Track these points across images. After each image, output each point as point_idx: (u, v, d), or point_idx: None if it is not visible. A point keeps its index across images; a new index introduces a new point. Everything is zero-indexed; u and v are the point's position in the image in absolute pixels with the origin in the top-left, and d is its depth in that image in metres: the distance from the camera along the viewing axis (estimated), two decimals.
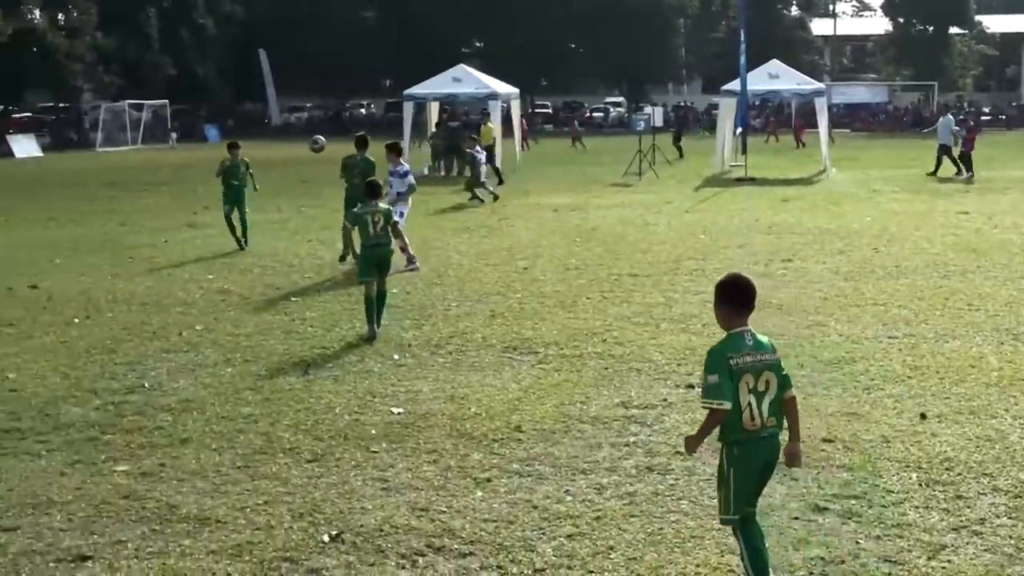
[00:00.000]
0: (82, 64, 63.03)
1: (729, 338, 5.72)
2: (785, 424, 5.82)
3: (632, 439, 8.66)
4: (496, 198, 27.67)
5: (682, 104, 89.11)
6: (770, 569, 5.81)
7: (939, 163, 34.30)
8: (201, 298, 14.97)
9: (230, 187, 19.87)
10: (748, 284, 5.83)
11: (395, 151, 18.06)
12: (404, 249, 16.06)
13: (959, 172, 33.43)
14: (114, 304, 14.62)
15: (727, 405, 5.54)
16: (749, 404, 5.59)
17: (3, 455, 8.47)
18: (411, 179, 17.92)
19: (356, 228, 13.03)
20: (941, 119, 37.39)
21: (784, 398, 5.76)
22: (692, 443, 5.84)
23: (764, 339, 5.79)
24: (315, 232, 21.95)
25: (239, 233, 19.83)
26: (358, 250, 13.06)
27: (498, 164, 34.48)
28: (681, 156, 44.86)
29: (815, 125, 40.81)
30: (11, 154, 53.93)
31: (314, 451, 8.48)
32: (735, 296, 5.80)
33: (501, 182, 33.00)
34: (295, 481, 7.83)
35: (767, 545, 5.89)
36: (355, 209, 13.65)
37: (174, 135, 66.90)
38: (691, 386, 10.05)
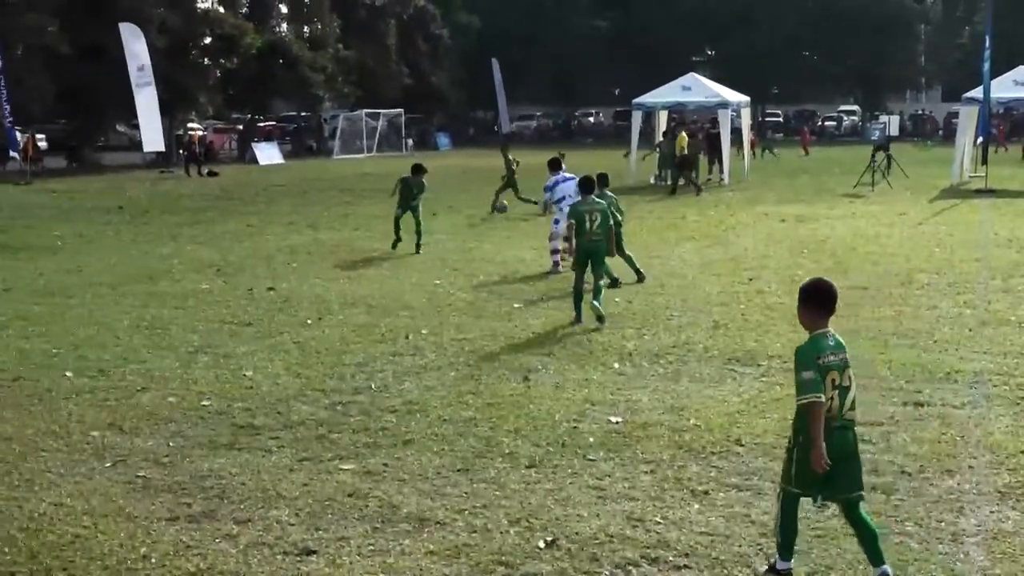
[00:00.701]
0: (323, 75, 65.37)
1: (813, 339, 6.15)
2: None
3: None
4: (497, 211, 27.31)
5: (920, 112, 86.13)
6: (793, 550, 6.30)
7: None
8: (427, 302, 15.30)
9: (406, 201, 21.05)
10: (831, 289, 6.26)
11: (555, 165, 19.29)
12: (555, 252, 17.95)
13: None
14: (345, 307, 15.09)
15: (823, 398, 5.97)
16: (831, 398, 6.05)
17: (239, 450, 8.84)
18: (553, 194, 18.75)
19: (575, 222, 13.69)
20: None
21: None
22: (816, 449, 5.99)
23: (841, 339, 6.25)
24: (541, 239, 22.13)
25: (416, 240, 20.77)
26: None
27: (694, 174, 34.40)
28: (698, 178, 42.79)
29: None
30: (256, 161, 56.36)
31: (532, 457, 8.55)
32: (819, 300, 6.23)
33: (699, 191, 32.85)
34: (512, 486, 7.91)
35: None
36: (574, 204, 14.29)
37: (410, 142, 68.75)
38: (920, 404, 9.71)
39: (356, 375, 11.21)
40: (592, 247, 13.58)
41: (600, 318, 13.30)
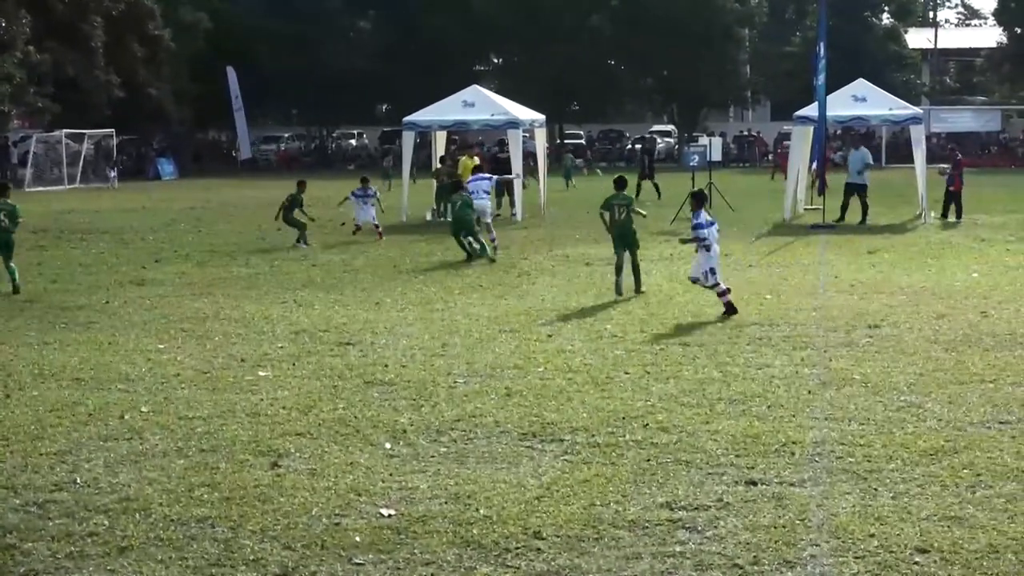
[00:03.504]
0: (10, 85, 63.67)
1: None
2: None
3: (679, 548, 8.62)
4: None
5: (746, 133, 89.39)
6: None
7: None
8: (148, 372, 15.02)
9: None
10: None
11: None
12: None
13: None
14: (41, 380, 14.68)
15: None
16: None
17: None
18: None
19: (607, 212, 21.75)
20: None
21: None
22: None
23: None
24: (293, 292, 22.04)
25: None
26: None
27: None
28: (658, 195, 45.58)
29: (910, 159, 40.82)
30: None
31: (283, 563, 8.46)
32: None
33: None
34: None
35: None
36: (608, 197, 22.03)
37: (112, 173, 67.14)
38: (752, 482, 10.03)
39: (56, 467, 10.89)
40: (621, 231, 21.53)
41: (638, 290, 21.13)
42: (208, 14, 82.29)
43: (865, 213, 35.02)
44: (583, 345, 16.42)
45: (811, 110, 36.83)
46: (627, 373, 14.54)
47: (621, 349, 16.09)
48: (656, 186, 46.27)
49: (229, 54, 79.96)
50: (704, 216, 19.60)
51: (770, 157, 79.69)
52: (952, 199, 35.64)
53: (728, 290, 19.01)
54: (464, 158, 39.61)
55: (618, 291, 20.93)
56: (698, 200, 20.40)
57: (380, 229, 32.30)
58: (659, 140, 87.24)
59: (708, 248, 19.10)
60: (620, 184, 22.28)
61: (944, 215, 35.36)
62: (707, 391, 13.48)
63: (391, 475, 10.50)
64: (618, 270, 21.23)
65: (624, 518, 9.26)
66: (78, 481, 10.43)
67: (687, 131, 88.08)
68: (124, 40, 74.46)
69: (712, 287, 19.10)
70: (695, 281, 19.54)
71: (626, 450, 11.14)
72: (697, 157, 39.79)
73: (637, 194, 45.13)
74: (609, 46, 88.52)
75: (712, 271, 19.09)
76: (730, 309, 18.65)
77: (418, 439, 11.69)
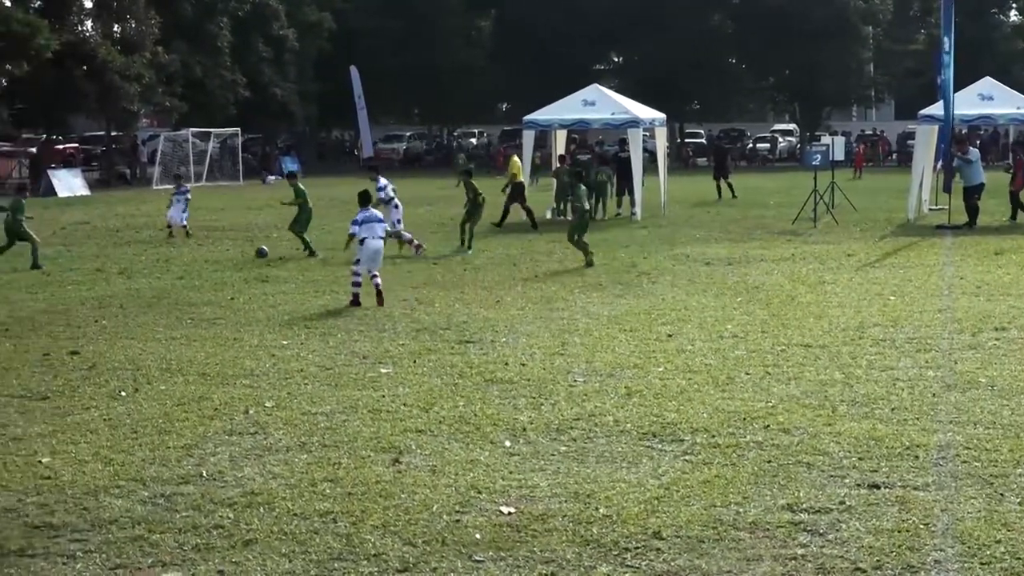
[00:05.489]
0: (139, 85, 64.77)
1: None
2: None
3: (800, 551, 8.55)
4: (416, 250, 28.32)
5: (870, 132, 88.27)
6: None
7: None
8: (272, 368, 15.21)
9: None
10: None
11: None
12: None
13: None
14: (168, 374, 14.93)
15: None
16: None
17: (32, 556, 8.67)
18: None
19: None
20: None
21: None
22: None
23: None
24: (414, 289, 22.18)
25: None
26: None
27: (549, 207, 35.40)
28: (733, 195, 45.81)
29: None
30: (53, 192, 55.49)
31: (404, 559, 8.52)
32: None
33: (534, 226, 33.97)
34: None
35: None
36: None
37: (272, 178, 67.89)
38: (875, 486, 9.90)
39: (183, 460, 11.07)
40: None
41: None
42: (331, 14, 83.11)
43: (976, 215, 34.21)
44: (703, 345, 16.34)
45: (936, 108, 36.24)
46: (748, 374, 14.44)
47: (742, 349, 15.99)
48: (731, 186, 46.23)
49: (352, 53, 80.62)
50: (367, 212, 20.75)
51: (894, 156, 78.74)
52: (1012, 199, 34.81)
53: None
54: (514, 158, 39.74)
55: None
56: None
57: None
58: (781, 139, 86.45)
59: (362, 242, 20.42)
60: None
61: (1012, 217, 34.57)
62: (829, 393, 13.35)
63: (511, 473, 10.53)
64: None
65: (745, 520, 9.20)
66: (204, 474, 10.59)
67: (809, 130, 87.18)
68: (250, 40, 75.51)
69: None
70: None
71: (747, 451, 11.07)
72: (819, 156, 39.29)
73: (719, 195, 45.43)
74: (730, 44, 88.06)
75: (357, 261, 20.50)
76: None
77: (538, 437, 11.71)
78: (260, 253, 28.20)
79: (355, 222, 20.88)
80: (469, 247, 28.95)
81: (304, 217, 29.28)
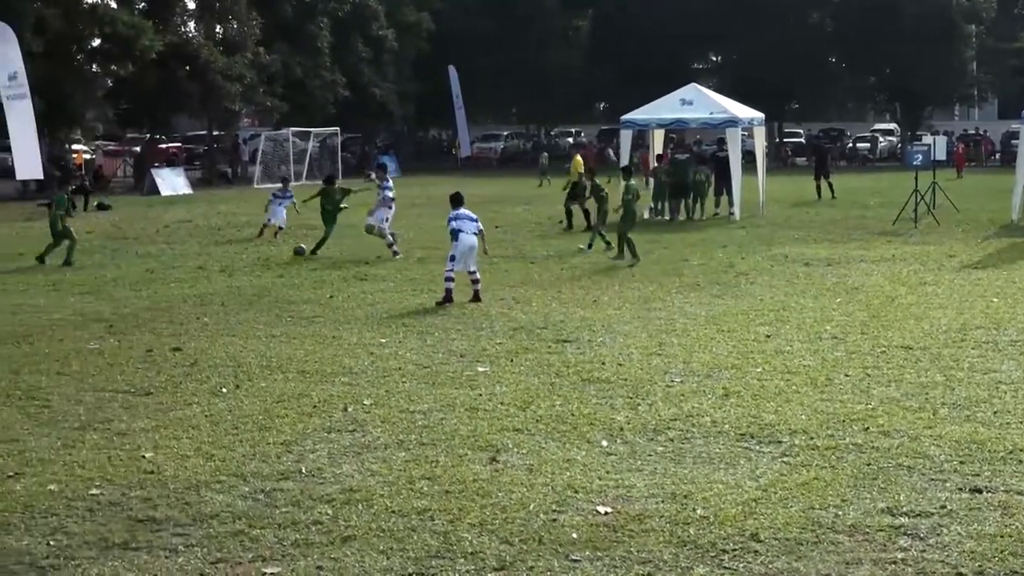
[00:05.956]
0: (240, 84, 65.45)
1: None
2: None
3: (900, 555, 8.47)
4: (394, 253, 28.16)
5: (972, 132, 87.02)
6: None
7: None
8: (370, 366, 15.30)
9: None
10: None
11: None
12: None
13: None
14: (268, 371, 15.07)
15: None
16: None
17: (135, 550, 8.79)
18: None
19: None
20: None
21: None
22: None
23: None
24: (511, 289, 22.22)
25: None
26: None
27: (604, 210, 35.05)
28: (832, 195, 45.29)
29: None
30: (156, 191, 56.23)
31: (501, 557, 8.54)
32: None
33: (590, 227, 33.42)
34: None
35: None
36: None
37: (372, 175, 68.50)
38: (977, 490, 9.78)
39: (282, 456, 11.18)
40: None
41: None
42: (430, 14, 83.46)
43: None
44: (802, 346, 16.22)
45: None
46: (847, 375, 14.31)
47: (841, 351, 15.85)
48: (831, 186, 45.76)
49: (450, 53, 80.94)
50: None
51: (997, 156, 77.57)
52: None
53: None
54: (576, 157, 39.74)
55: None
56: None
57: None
58: (881, 139, 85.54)
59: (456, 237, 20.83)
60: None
61: None
62: (930, 395, 13.19)
63: (608, 473, 10.52)
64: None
65: (844, 523, 9.12)
66: (303, 471, 10.68)
67: (910, 129, 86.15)
68: (349, 40, 76.03)
69: None
70: None
71: (846, 453, 10.97)
72: (921, 156, 38.81)
73: (819, 195, 45.02)
74: (830, 43, 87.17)
75: (452, 258, 20.63)
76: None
77: (635, 438, 11.69)
78: (298, 251, 28.50)
79: (451, 219, 21.13)
80: (608, 245, 28.78)
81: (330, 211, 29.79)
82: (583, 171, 36.03)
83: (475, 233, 20.90)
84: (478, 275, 20.74)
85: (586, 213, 34.02)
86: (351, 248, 29.60)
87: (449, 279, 20.41)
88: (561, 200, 35.89)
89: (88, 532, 9.16)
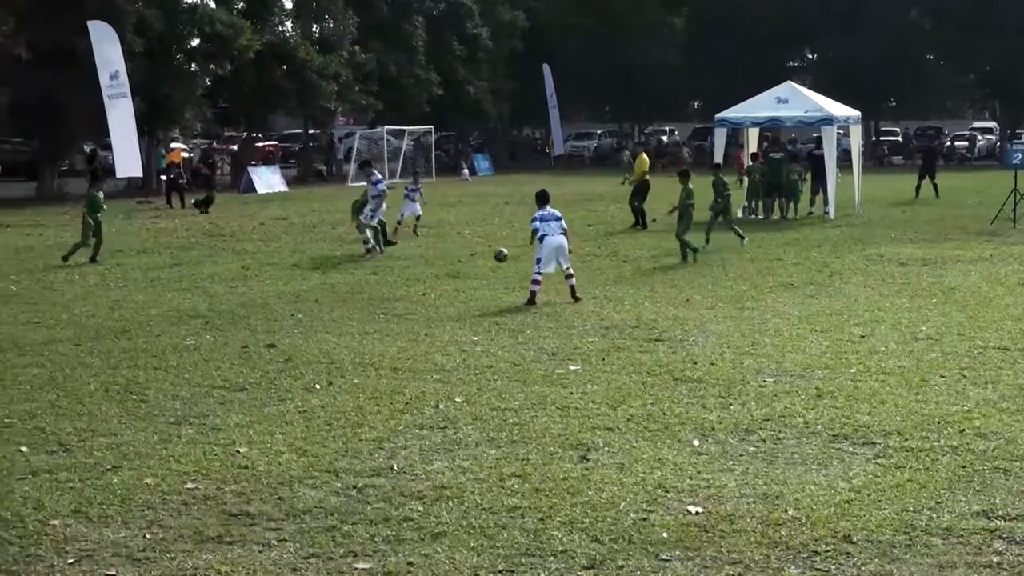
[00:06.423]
0: (336, 83, 65.87)
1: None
2: None
3: (996, 559, 8.36)
4: (379, 251, 28.18)
5: None
6: None
7: None
8: (462, 364, 15.35)
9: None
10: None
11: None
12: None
13: None
14: (361, 368, 15.16)
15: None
16: None
17: (231, 543, 8.88)
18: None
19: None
20: None
21: None
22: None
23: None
24: (603, 287, 22.20)
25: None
26: None
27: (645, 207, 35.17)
28: (936, 194, 44.92)
29: None
30: (252, 189, 56.75)
31: (591, 556, 8.53)
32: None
33: (644, 225, 34.00)
34: None
35: None
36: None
37: (466, 171, 69.03)
38: None
39: (374, 453, 11.25)
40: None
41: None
42: (524, 13, 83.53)
43: None
44: (897, 347, 16.05)
45: None
46: (943, 376, 14.14)
47: (937, 352, 15.66)
48: (935, 186, 45.26)
49: (544, 51, 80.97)
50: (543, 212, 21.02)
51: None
52: None
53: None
54: (642, 154, 39.42)
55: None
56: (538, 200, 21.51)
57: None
58: (980, 137, 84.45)
59: (540, 240, 20.67)
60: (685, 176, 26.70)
61: None
62: None
63: (699, 472, 10.48)
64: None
65: (938, 525, 9.02)
66: (395, 467, 10.74)
67: (1010, 128, 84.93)
68: (444, 39, 76.30)
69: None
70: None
71: (941, 455, 10.84)
72: (1020, 155, 38.25)
73: (917, 194, 44.61)
74: (928, 40, 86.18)
75: (538, 260, 20.57)
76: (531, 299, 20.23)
77: (726, 437, 11.63)
78: (499, 256, 24.74)
79: (535, 219, 21.11)
80: (740, 237, 29.30)
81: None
82: (647, 169, 36.04)
83: (561, 232, 20.84)
84: (571, 272, 20.72)
85: (642, 212, 34.03)
86: (440, 246, 29.70)
87: (535, 281, 20.40)
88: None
89: (183, 525, 9.28)
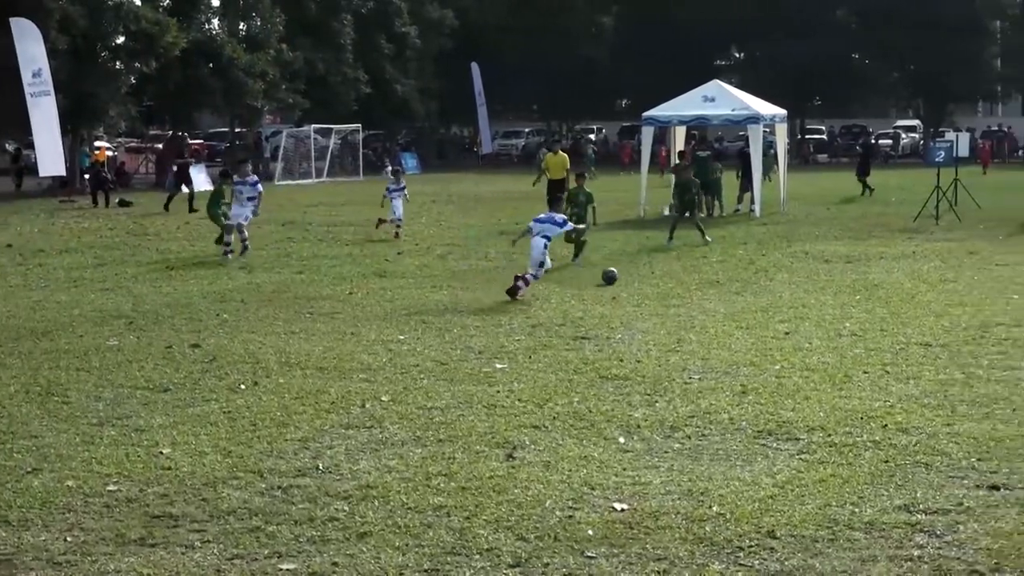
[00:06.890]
0: (263, 82, 65.55)
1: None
2: None
3: (917, 552, 8.43)
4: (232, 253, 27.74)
5: (996, 128, 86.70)
6: None
7: None
8: (388, 363, 15.31)
9: None
10: None
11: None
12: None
13: None
14: (286, 368, 15.08)
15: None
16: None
17: (154, 546, 8.80)
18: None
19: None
20: None
21: None
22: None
23: None
24: (530, 286, 22.22)
25: None
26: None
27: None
28: (870, 192, 46.13)
29: None
30: (178, 188, 56.23)
31: (517, 554, 8.53)
32: None
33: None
34: None
35: None
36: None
37: (390, 168, 68.85)
38: (995, 487, 9.74)
39: (299, 453, 11.19)
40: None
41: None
42: (453, 11, 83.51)
43: None
44: (821, 343, 16.18)
45: None
46: (866, 372, 14.27)
47: (860, 348, 15.81)
48: (867, 184, 46.09)
49: (473, 50, 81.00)
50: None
51: (1020, 153, 77.19)
52: None
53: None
54: (550, 155, 38.52)
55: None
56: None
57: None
58: (903, 135, 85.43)
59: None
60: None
61: None
62: (949, 393, 13.14)
63: (624, 470, 10.50)
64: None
65: (860, 520, 9.09)
66: (320, 467, 10.68)
67: (933, 126, 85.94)
68: (372, 37, 76.15)
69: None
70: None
71: (863, 450, 10.94)
72: (943, 153, 38.73)
73: (862, 192, 45.36)
74: (853, 39, 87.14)
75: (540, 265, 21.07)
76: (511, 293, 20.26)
77: (652, 435, 11.67)
78: (608, 277, 22.60)
79: (535, 221, 21.91)
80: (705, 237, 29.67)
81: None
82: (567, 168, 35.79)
83: (547, 237, 21.49)
84: (530, 275, 20.76)
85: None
86: (367, 245, 29.62)
87: (524, 279, 20.67)
88: None
89: (105, 528, 9.18)
